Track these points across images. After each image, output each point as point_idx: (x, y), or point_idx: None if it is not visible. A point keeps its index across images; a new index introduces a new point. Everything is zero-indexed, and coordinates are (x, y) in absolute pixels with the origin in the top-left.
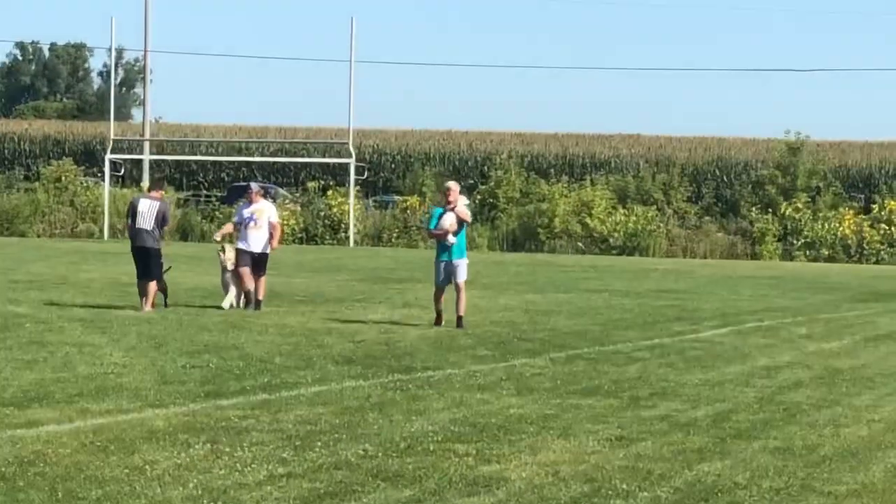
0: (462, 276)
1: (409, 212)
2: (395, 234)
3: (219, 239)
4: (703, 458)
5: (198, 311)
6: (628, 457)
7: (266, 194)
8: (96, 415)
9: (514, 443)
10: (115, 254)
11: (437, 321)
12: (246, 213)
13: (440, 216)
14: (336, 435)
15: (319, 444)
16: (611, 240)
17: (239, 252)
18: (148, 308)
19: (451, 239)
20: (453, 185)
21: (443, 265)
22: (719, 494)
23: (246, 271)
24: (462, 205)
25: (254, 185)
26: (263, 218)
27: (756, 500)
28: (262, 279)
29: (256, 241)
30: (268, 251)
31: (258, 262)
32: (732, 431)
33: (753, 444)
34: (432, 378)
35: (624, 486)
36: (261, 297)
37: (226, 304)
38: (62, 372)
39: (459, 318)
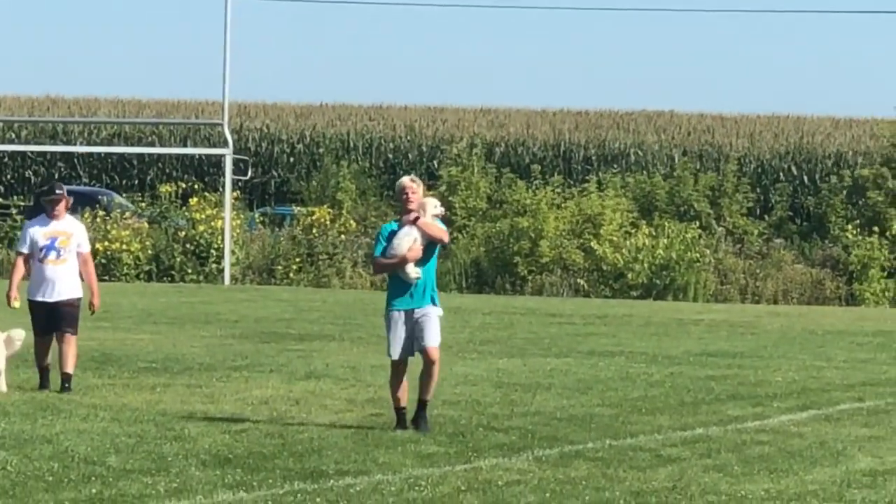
0: (432, 336)
1: (316, 230)
2: (294, 266)
3: (17, 304)
4: None
5: None
6: None
7: (78, 205)
8: None
9: None
10: None
11: (398, 421)
12: (41, 236)
13: (392, 235)
14: None
15: None
16: (629, 275)
17: (32, 308)
18: None
19: (411, 273)
20: (412, 184)
21: (400, 318)
22: None
23: (43, 340)
24: (431, 214)
25: (59, 188)
26: (71, 245)
27: None
28: (72, 341)
29: (61, 283)
30: (78, 297)
31: (63, 317)
32: None
33: None
34: (353, 488)
35: None
36: (70, 370)
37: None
38: None
39: (420, 406)
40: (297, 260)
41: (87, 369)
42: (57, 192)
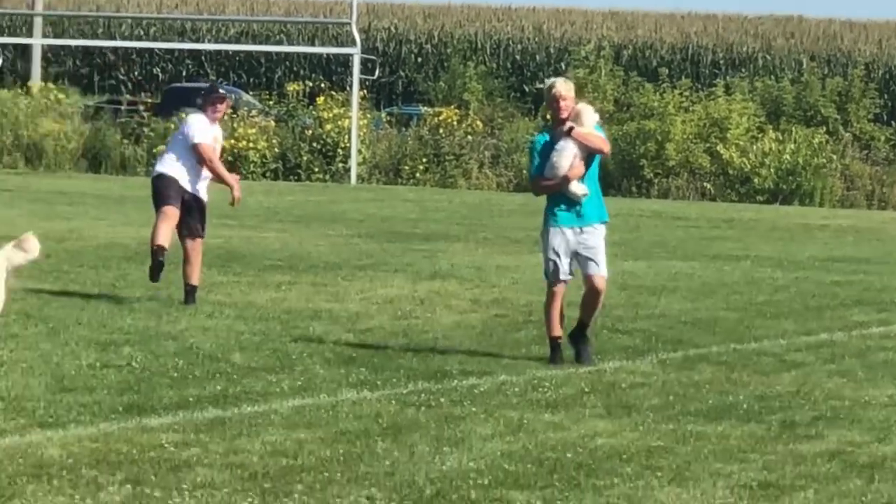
0: (600, 264)
1: (442, 131)
2: (421, 166)
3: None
4: None
5: (115, 280)
6: None
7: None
8: None
9: (602, 491)
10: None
11: (553, 354)
12: (205, 133)
13: (547, 148)
14: (327, 474)
15: (301, 487)
16: (755, 180)
17: (164, 182)
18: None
19: (577, 191)
20: (564, 89)
21: (562, 236)
22: None
23: (171, 211)
24: (589, 122)
25: (224, 90)
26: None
27: None
28: (199, 246)
29: (198, 177)
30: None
31: (193, 213)
32: None
33: None
34: (476, 389)
35: None
36: (195, 282)
37: None
38: None
39: (580, 326)
40: (424, 160)
41: (212, 266)
42: (208, 97)
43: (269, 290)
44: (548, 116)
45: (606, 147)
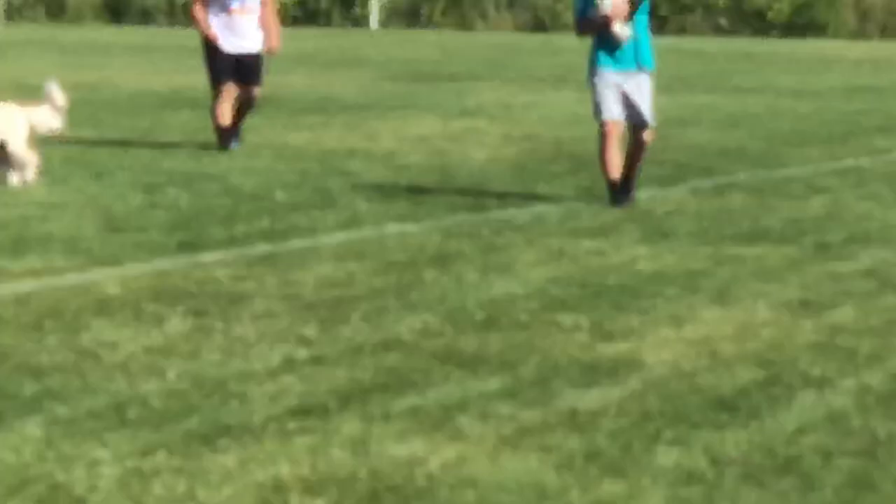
0: (647, 115)
1: None
2: (440, 10)
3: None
4: None
5: (151, 125)
6: (819, 329)
7: None
8: (18, 277)
9: (647, 311)
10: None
11: (615, 194)
12: None
13: None
14: (380, 302)
15: (356, 315)
16: (769, 14)
17: (216, 56)
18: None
19: (620, 33)
20: None
21: (609, 79)
22: None
23: (229, 91)
24: None
25: None
26: None
27: None
28: (256, 92)
29: (247, 32)
30: (263, 50)
31: (249, 70)
32: None
33: None
34: (516, 219)
35: (816, 372)
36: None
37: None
38: None
39: (625, 182)
40: (443, 3)
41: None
42: None
43: (304, 131)
44: None
45: None
